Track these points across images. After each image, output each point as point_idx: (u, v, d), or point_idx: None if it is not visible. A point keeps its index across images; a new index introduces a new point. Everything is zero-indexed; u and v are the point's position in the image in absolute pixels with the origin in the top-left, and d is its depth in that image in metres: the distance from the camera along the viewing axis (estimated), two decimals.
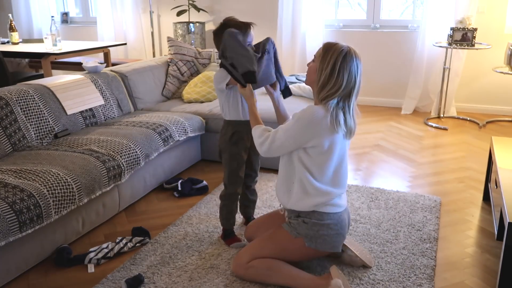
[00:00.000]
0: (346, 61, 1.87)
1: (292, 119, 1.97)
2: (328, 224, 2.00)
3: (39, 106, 2.89)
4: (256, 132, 2.07)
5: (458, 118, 4.75)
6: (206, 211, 2.79)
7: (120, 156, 2.65)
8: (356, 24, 5.31)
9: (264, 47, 2.20)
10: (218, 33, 2.17)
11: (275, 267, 2.02)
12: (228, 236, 2.43)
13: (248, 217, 2.58)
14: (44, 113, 2.90)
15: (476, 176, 3.30)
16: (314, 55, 1.99)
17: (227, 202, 2.38)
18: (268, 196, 2.97)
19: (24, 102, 2.82)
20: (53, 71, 4.57)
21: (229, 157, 2.31)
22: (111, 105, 3.38)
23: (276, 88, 2.28)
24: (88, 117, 3.18)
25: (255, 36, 2.22)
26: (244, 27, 2.15)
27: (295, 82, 4.04)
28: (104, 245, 2.37)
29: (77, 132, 3.02)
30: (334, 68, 1.87)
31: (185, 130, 3.22)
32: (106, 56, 4.97)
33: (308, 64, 2.03)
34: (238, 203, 2.48)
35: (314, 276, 2.04)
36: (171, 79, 4.03)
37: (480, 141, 4.06)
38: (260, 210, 2.79)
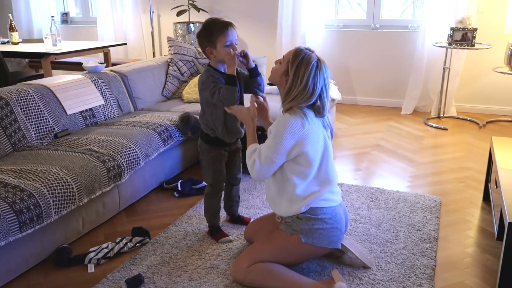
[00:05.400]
0: (317, 75, 1.94)
1: (269, 135, 2.00)
2: (322, 218, 2.00)
3: (39, 106, 2.89)
4: (248, 152, 2.10)
5: (458, 118, 4.75)
6: None
7: (120, 156, 2.65)
8: (356, 24, 5.31)
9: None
10: (201, 36, 2.22)
11: (276, 271, 2.01)
12: (216, 232, 2.48)
13: (232, 214, 2.63)
14: (44, 113, 2.90)
15: (476, 176, 3.30)
16: (283, 57, 2.03)
17: (213, 200, 2.44)
18: None
19: (24, 102, 2.82)
20: (53, 71, 4.57)
21: (212, 159, 2.36)
22: (111, 105, 3.38)
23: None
24: (88, 117, 3.18)
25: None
26: (223, 26, 2.17)
27: None
28: (104, 245, 2.37)
29: (77, 132, 3.02)
30: (305, 81, 1.93)
31: None
32: (106, 56, 4.97)
33: (276, 62, 2.07)
34: (223, 202, 2.59)
35: (316, 281, 2.03)
36: (171, 79, 4.03)
37: (480, 141, 4.06)
38: (260, 210, 2.79)
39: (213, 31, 2.17)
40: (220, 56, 2.19)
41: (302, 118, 1.95)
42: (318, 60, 1.96)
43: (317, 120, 2.00)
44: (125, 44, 5.54)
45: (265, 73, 4.27)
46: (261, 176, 2.04)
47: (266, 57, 4.39)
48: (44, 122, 2.89)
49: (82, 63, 3.65)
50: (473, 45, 4.33)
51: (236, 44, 2.21)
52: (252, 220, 2.57)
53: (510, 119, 4.68)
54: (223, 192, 2.51)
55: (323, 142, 2.03)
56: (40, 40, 5.15)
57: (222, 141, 2.33)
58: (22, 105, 2.81)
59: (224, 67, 2.26)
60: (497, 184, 2.35)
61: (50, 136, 2.89)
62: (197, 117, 3.23)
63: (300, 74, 1.93)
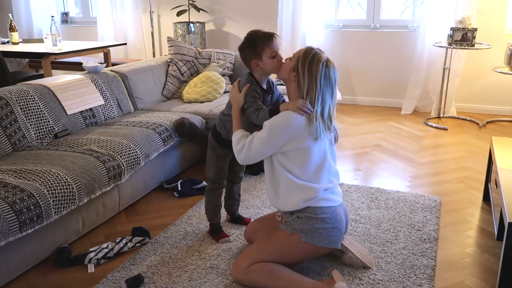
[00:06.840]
0: (326, 74, 1.96)
1: (264, 127, 2.01)
2: (322, 218, 2.01)
3: (39, 106, 2.89)
4: (235, 137, 2.12)
5: (458, 118, 4.75)
6: None
7: (120, 156, 2.65)
8: (356, 24, 5.31)
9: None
10: (244, 49, 2.17)
11: (277, 271, 2.01)
12: (216, 232, 2.48)
13: (232, 213, 2.63)
14: (44, 113, 2.90)
15: (476, 176, 3.30)
16: (294, 54, 2.04)
17: (213, 196, 2.44)
18: None
19: (24, 102, 2.82)
20: (53, 71, 4.57)
21: (217, 156, 2.37)
22: (111, 105, 3.38)
23: None
24: (88, 117, 3.18)
25: None
26: (267, 37, 2.13)
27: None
28: (104, 245, 2.37)
29: (77, 132, 3.02)
30: (314, 78, 1.94)
31: None
32: (106, 56, 4.97)
33: (286, 60, 2.08)
34: (224, 201, 2.60)
35: (316, 281, 2.03)
36: (171, 79, 4.03)
37: (480, 141, 4.06)
38: (260, 210, 2.79)
39: (258, 42, 2.11)
40: (267, 68, 2.13)
41: (310, 121, 1.96)
42: (328, 60, 1.98)
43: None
44: (125, 44, 5.54)
45: None
46: (247, 162, 2.09)
47: None
48: (44, 122, 2.89)
49: (82, 63, 3.65)
50: (473, 45, 4.33)
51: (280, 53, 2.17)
52: (252, 220, 2.57)
53: (510, 119, 4.68)
54: (223, 190, 2.51)
55: (323, 145, 2.03)
56: (40, 40, 5.14)
57: (231, 144, 2.31)
58: (22, 105, 2.81)
59: (266, 81, 2.23)
60: (497, 184, 2.35)
61: (50, 136, 2.89)
62: (193, 122, 3.23)
63: (312, 71, 1.94)
